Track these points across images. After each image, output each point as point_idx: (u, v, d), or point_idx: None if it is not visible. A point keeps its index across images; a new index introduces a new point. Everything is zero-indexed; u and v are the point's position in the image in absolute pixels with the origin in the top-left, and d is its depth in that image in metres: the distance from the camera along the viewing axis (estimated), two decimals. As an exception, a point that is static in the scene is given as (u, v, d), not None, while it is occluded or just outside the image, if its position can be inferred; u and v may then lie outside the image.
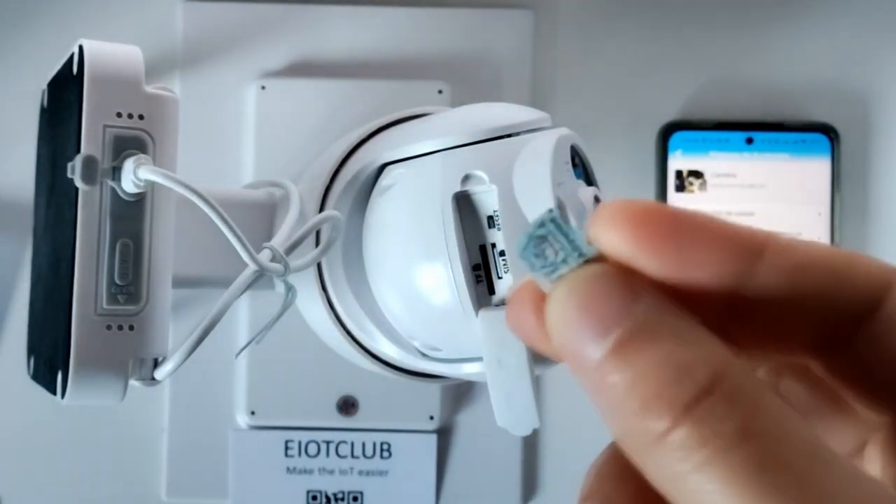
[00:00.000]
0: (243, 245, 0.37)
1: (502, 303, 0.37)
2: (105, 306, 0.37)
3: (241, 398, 0.60)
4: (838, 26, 0.65)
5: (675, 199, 0.62)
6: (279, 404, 0.59)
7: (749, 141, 0.63)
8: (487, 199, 0.37)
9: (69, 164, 0.36)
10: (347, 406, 0.58)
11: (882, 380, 0.21)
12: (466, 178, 0.37)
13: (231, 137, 0.62)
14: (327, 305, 0.44)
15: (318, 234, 0.43)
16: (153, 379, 0.39)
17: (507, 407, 0.35)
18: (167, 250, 0.39)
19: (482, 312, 0.37)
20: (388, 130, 0.45)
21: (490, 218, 0.37)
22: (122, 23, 0.63)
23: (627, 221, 0.20)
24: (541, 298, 0.21)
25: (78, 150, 0.36)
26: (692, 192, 0.62)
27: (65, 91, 0.39)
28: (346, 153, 0.44)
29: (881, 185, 0.65)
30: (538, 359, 0.37)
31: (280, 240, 0.40)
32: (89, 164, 0.36)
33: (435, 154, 0.39)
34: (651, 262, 0.20)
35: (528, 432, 0.35)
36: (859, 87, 0.65)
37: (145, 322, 0.38)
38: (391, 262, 0.39)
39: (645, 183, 0.63)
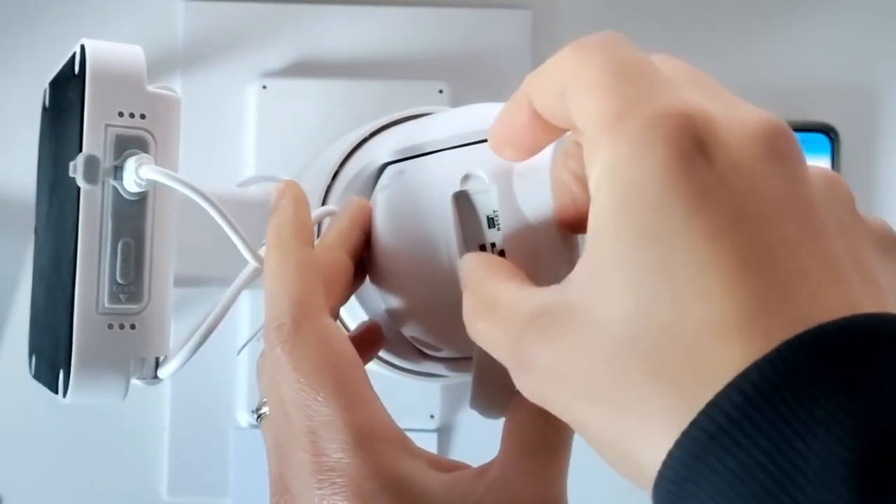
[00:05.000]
0: (244, 242, 0.37)
1: None
2: (106, 305, 0.37)
3: (242, 396, 0.61)
4: (838, 26, 0.66)
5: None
6: (280, 403, 0.60)
7: (749, 140, 0.63)
8: (487, 199, 0.37)
9: (71, 164, 0.36)
10: (348, 405, 0.58)
11: None
12: (466, 178, 0.37)
13: (232, 137, 0.62)
14: (328, 304, 0.44)
15: (318, 232, 0.43)
16: (155, 377, 0.39)
17: (486, 394, 0.35)
18: (169, 249, 0.39)
19: None
20: (388, 130, 0.45)
21: (490, 218, 0.37)
22: (124, 22, 0.63)
23: None
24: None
25: (80, 150, 0.37)
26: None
27: (66, 90, 0.39)
28: (346, 153, 0.44)
29: (881, 184, 0.65)
30: None
31: (280, 236, 0.40)
32: (91, 163, 0.36)
33: (435, 154, 0.39)
34: None
35: (498, 419, 0.36)
36: (859, 87, 0.65)
37: (147, 321, 0.38)
38: (391, 261, 0.40)
39: (645, 182, 0.63)
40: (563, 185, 0.31)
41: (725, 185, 0.23)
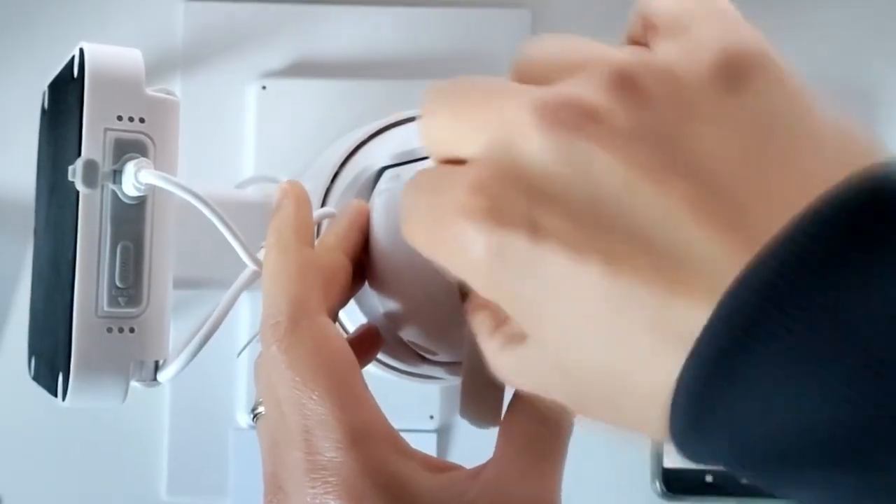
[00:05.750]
0: (242, 245, 0.37)
1: None
2: (106, 309, 0.37)
3: (242, 398, 0.61)
4: (838, 26, 0.65)
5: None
6: (279, 404, 0.60)
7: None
8: None
9: (70, 168, 0.36)
10: (347, 405, 0.58)
11: None
12: None
13: (232, 137, 0.62)
14: (327, 306, 0.44)
15: (317, 233, 0.43)
16: (154, 380, 0.39)
17: (475, 403, 0.35)
18: (167, 253, 0.39)
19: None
20: (387, 133, 0.45)
21: None
22: (123, 23, 0.63)
23: None
24: None
25: (79, 154, 0.37)
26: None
27: (65, 94, 0.39)
28: (345, 155, 0.45)
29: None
30: None
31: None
32: (90, 167, 0.36)
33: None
34: None
35: (488, 428, 0.35)
36: (859, 87, 0.65)
37: (146, 325, 0.38)
38: (388, 264, 0.40)
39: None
40: None
41: (642, 137, 0.23)
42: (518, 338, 0.28)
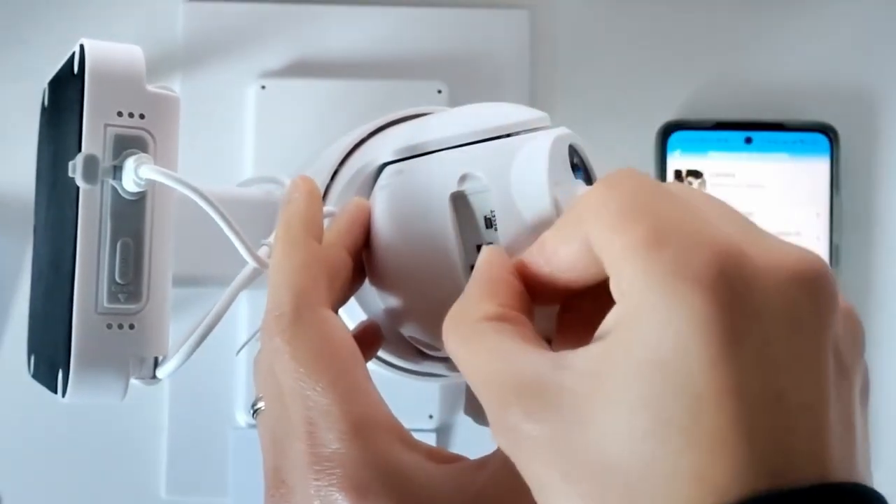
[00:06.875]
0: (243, 242, 0.37)
1: None
2: (105, 305, 0.37)
3: (241, 397, 0.61)
4: (838, 26, 0.66)
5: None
6: (279, 403, 0.60)
7: (748, 141, 0.63)
8: (484, 199, 0.37)
9: (70, 163, 0.36)
10: (347, 405, 0.58)
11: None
12: (464, 178, 0.37)
13: (231, 137, 0.62)
14: (327, 304, 0.44)
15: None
16: (154, 377, 0.39)
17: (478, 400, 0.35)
18: (167, 249, 0.39)
19: None
20: (387, 130, 0.45)
21: (487, 219, 0.37)
22: (124, 22, 0.63)
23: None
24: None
25: (79, 149, 0.37)
26: (691, 191, 0.62)
27: (66, 90, 0.39)
28: (345, 153, 0.44)
29: (880, 185, 0.65)
30: None
31: (279, 237, 0.40)
32: (90, 163, 0.36)
33: (433, 154, 0.39)
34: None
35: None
36: (859, 87, 0.65)
37: (146, 321, 0.38)
38: (389, 260, 0.40)
39: (644, 183, 0.63)
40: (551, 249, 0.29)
41: (751, 331, 0.23)
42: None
